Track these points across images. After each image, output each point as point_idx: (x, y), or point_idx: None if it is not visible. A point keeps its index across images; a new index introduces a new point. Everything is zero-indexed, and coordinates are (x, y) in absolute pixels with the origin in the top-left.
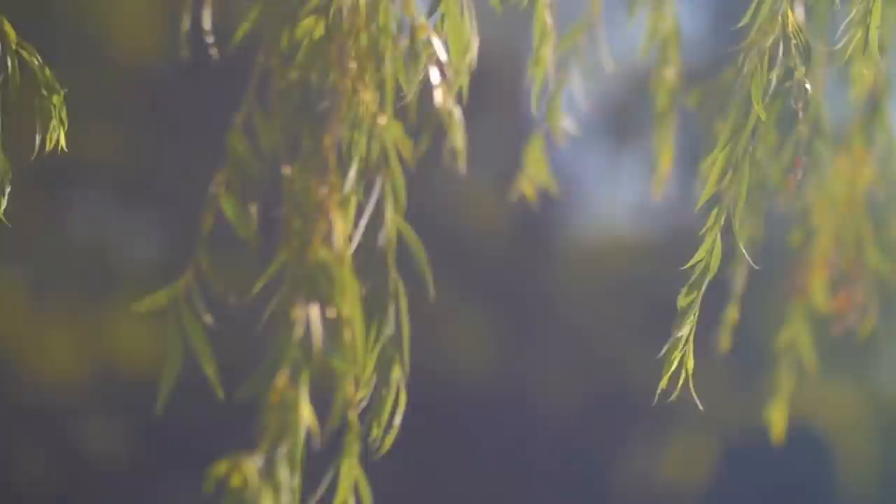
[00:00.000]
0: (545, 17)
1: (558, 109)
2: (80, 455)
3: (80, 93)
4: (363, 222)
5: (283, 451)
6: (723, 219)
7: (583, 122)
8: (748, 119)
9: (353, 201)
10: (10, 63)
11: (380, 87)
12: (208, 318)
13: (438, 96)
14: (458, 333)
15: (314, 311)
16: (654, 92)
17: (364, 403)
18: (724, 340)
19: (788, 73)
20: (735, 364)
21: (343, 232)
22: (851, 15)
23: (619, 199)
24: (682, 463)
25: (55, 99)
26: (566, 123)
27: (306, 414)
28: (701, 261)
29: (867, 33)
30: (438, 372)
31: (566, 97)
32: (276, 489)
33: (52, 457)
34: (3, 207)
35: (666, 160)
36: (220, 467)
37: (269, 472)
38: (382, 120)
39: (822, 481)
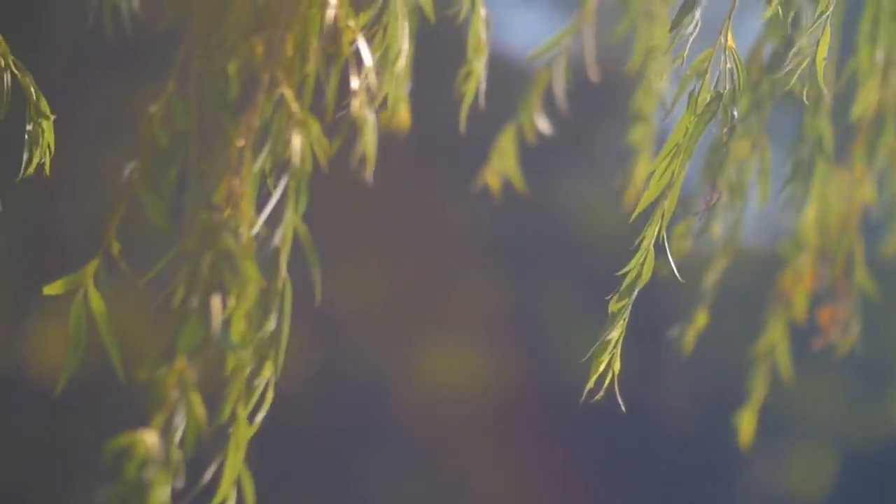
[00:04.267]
0: (480, 30)
1: (534, 107)
2: None
3: None
4: (262, 218)
5: (180, 430)
6: (657, 230)
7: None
8: (685, 137)
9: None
10: (4, 85)
11: (301, 84)
12: (114, 302)
13: (356, 101)
14: (578, 343)
15: (215, 300)
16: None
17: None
18: (688, 343)
19: (717, 97)
20: (857, 372)
21: (249, 224)
22: (798, 45)
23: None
24: (804, 472)
25: (44, 124)
26: (539, 122)
27: (197, 400)
28: (633, 270)
29: (813, 64)
30: (558, 381)
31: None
32: (170, 469)
33: None
34: None
35: (643, 167)
36: (118, 443)
37: (163, 450)
38: (298, 116)
39: None
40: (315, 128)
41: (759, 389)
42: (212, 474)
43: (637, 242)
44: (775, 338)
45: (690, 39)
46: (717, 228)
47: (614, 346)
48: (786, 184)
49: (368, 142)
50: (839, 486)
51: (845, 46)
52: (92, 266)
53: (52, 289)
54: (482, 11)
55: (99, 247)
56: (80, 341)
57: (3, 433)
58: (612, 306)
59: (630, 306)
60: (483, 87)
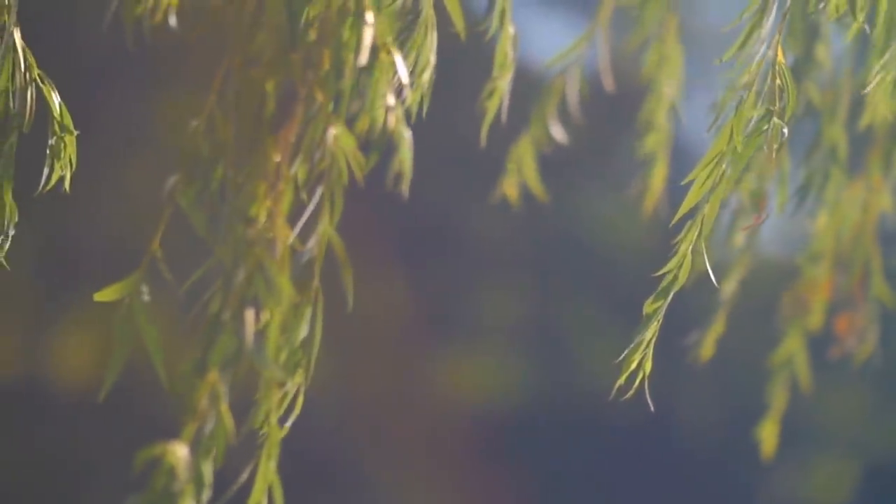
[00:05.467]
0: (507, 48)
1: (547, 117)
2: None
3: None
4: (297, 229)
5: (208, 442)
6: (695, 234)
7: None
8: (729, 148)
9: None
10: (28, 97)
11: (336, 99)
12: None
13: (391, 117)
14: (600, 352)
15: (248, 313)
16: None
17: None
18: (706, 349)
19: (768, 114)
20: (879, 384)
21: (284, 238)
22: (884, 60)
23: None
24: (826, 484)
25: (67, 139)
26: (554, 131)
27: (227, 412)
28: (670, 272)
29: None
30: (580, 390)
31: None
32: (198, 480)
33: None
34: (6, 249)
35: (659, 176)
36: (148, 453)
37: (192, 462)
38: (335, 130)
39: None
40: (350, 142)
41: (779, 399)
42: (240, 481)
43: (674, 246)
44: (793, 347)
45: (757, 56)
46: (738, 237)
47: (646, 347)
48: (799, 192)
49: (405, 157)
50: (857, 494)
51: (860, 58)
52: (137, 275)
53: (102, 296)
54: (510, 29)
55: (117, 258)
56: (124, 349)
57: (26, 442)
58: (647, 307)
59: (665, 309)
60: (506, 103)
